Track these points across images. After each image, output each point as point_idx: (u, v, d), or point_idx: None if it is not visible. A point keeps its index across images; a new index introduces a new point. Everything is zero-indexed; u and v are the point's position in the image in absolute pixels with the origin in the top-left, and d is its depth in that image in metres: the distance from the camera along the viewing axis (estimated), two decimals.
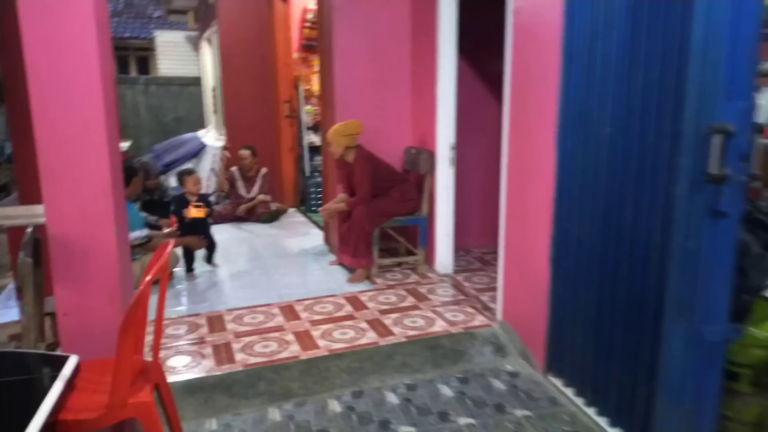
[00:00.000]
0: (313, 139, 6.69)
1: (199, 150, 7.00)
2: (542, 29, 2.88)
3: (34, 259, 2.21)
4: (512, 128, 3.24)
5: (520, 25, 3.09)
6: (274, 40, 6.66)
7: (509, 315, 3.36)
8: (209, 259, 4.59)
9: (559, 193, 2.81)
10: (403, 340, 3.23)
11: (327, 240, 5.17)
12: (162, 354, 3.04)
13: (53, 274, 2.24)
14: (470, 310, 3.70)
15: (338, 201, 4.43)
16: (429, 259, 4.55)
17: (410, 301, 3.85)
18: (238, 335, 3.29)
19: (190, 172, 4.62)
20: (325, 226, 5.14)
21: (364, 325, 3.43)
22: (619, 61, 2.35)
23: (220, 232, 5.67)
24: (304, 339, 3.23)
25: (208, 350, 3.09)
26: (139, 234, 3.87)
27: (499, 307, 3.45)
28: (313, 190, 6.56)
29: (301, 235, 5.60)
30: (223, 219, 6.06)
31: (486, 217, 5.14)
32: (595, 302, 2.59)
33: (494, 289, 3.96)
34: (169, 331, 3.34)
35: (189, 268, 4.42)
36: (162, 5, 12.94)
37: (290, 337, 3.26)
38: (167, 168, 6.89)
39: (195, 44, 11.42)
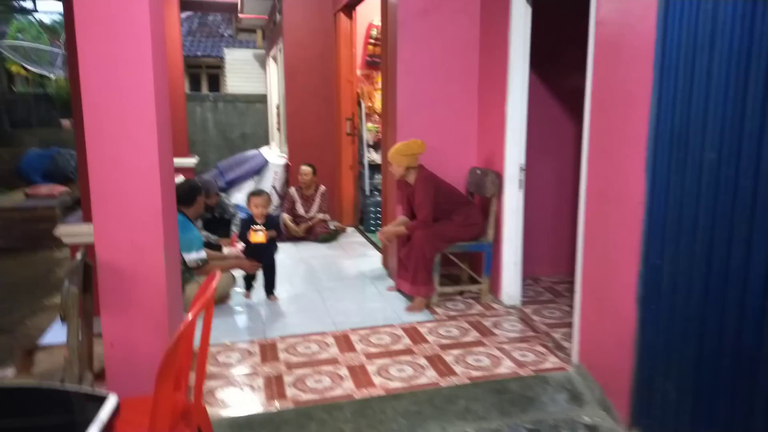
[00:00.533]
0: (374, 157, 6.53)
1: (261, 167, 7.01)
2: (631, 41, 2.56)
3: (84, 284, 2.12)
4: (593, 149, 2.92)
5: (605, 37, 2.78)
6: (337, 56, 6.59)
7: (587, 358, 3.01)
8: (268, 290, 4.23)
9: (650, 225, 2.46)
10: (466, 381, 2.95)
11: (385, 263, 4.96)
12: (212, 384, 2.90)
13: (100, 301, 2.14)
14: (541, 349, 3.36)
15: (398, 224, 4.21)
16: (494, 288, 4.24)
17: (473, 335, 3.56)
18: (291, 366, 3.11)
19: (257, 193, 4.25)
20: (384, 248, 4.94)
21: (423, 361, 3.17)
22: (728, 76, 2.01)
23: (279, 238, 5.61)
24: (359, 375, 3.01)
25: (259, 382, 2.93)
26: (196, 256, 3.79)
27: (574, 348, 3.10)
28: (372, 209, 6.39)
29: (359, 257, 5.42)
30: (281, 238, 5.97)
31: (557, 244, 4.79)
32: (695, 354, 2.23)
33: (568, 325, 3.61)
34: (221, 358, 3.21)
35: (248, 286, 4.31)
36: (232, 24, 13.33)
37: (344, 371, 3.05)
38: (230, 185, 6.94)
39: (262, 62, 11.64)
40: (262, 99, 11.13)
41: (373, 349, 3.33)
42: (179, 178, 6.50)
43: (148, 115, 2.06)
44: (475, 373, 3.03)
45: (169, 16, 7.76)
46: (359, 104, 6.57)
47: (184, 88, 8.15)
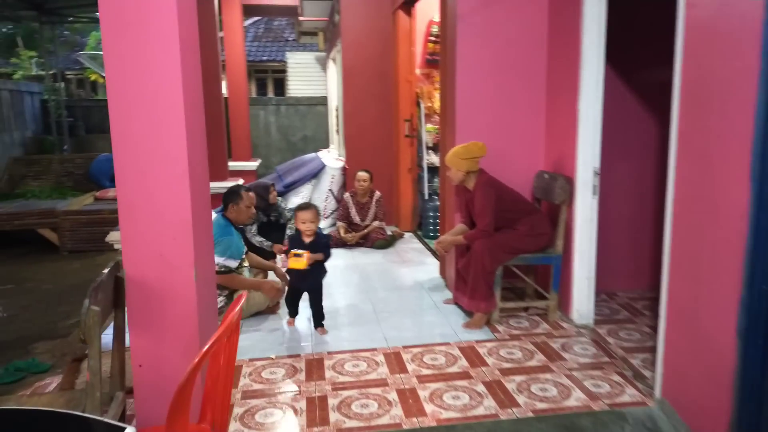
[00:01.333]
0: (433, 159, 6.24)
1: (318, 170, 6.88)
2: (731, 24, 2.16)
3: (117, 299, 1.98)
4: (682, 151, 2.51)
5: (698, 21, 2.37)
6: (396, 55, 6.35)
7: (672, 392, 2.60)
8: (315, 321, 3.64)
9: (756, 244, 2.05)
10: (530, 414, 2.61)
11: (443, 272, 4.66)
12: (253, 402, 2.72)
13: (128, 319, 1.99)
14: (617, 378, 2.96)
15: (456, 232, 3.91)
16: (563, 304, 3.85)
17: (539, 359, 3.20)
18: (336, 387, 2.89)
19: (304, 207, 3.59)
20: (442, 256, 4.63)
21: (481, 387, 2.86)
22: None
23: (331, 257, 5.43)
24: (409, 400, 2.74)
25: (302, 404, 2.72)
26: (222, 261, 3.62)
27: (657, 379, 2.70)
28: (431, 214, 6.09)
29: (416, 265, 5.15)
30: (335, 244, 5.80)
31: (636, 256, 4.33)
32: None
33: (649, 350, 3.19)
34: (265, 374, 3.04)
35: (291, 312, 3.73)
36: (294, 28, 13.42)
37: (393, 395, 2.79)
38: (288, 189, 6.85)
39: (323, 65, 11.61)
40: (324, 102, 11.10)
41: (426, 371, 3.05)
42: (238, 182, 6.50)
43: (178, 122, 1.89)
44: (540, 405, 2.69)
45: (232, 22, 7.83)
46: (418, 105, 6.31)
47: (248, 93, 8.21)
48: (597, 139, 3.59)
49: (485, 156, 3.72)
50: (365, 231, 5.85)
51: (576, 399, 2.75)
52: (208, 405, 1.74)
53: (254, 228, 5.28)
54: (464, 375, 3.00)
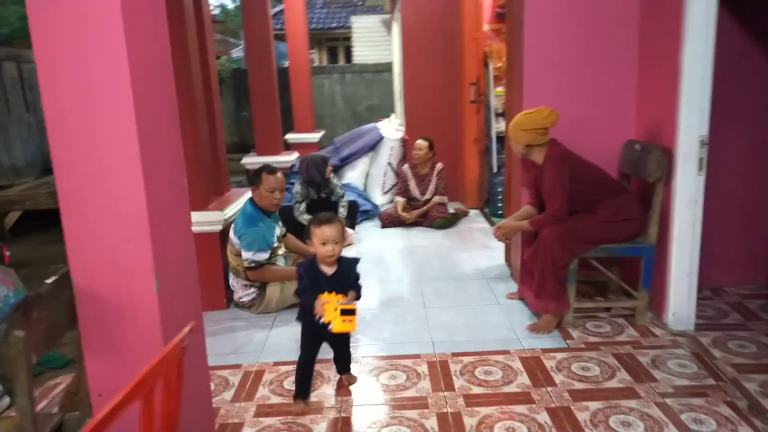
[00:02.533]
0: (503, 127, 5.51)
1: (376, 142, 6.36)
2: None
3: (74, 315, 1.59)
4: None
5: None
6: (461, 10, 5.63)
7: None
8: (341, 368, 2.62)
9: None
10: None
11: (509, 259, 4.04)
12: (264, 423, 2.31)
13: (83, 341, 1.60)
14: (725, 410, 2.28)
15: (520, 216, 3.27)
16: (655, 305, 3.14)
17: (622, 378, 2.56)
18: (365, 407, 2.41)
19: (324, 220, 2.35)
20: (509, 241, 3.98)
21: (544, 417, 2.28)
22: None
23: (383, 238, 4.95)
24: (451, 431, 2.21)
25: (322, 428, 2.27)
26: (250, 256, 3.22)
27: None
28: (500, 189, 5.41)
29: (479, 249, 4.54)
30: (392, 222, 5.30)
31: (750, 244, 3.53)
32: None
33: None
34: (287, 384, 2.61)
35: (302, 392, 2.44)
36: None
37: (432, 422, 2.27)
38: (344, 162, 6.39)
39: (389, 27, 10.96)
40: (390, 68, 10.47)
41: (476, 389, 2.50)
42: (292, 156, 6.11)
43: (122, 88, 1.43)
44: None
45: None
46: (486, 66, 5.57)
47: (309, 63, 7.77)
48: (706, 100, 2.81)
49: (556, 125, 3.03)
50: (424, 208, 5.28)
51: None
52: None
53: (303, 206, 4.89)
54: (524, 397, 2.43)
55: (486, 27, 5.64)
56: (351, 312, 2.23)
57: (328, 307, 2.22)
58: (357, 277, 2.43)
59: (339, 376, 2.63)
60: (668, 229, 2.99)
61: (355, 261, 2.48)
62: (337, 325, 2.20)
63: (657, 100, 3.10)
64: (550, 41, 3.29)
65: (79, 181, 1.48)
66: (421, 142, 5.30)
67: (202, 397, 1.88)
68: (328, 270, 2.38)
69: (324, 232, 2.32)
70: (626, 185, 3.27)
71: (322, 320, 2.23)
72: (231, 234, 3.31)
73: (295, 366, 2.47)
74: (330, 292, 2.28)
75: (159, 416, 1.17)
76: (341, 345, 2.59)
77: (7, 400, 2.57)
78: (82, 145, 1.46)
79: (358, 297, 2.38)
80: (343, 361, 2.62)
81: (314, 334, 2.41)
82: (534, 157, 3.09)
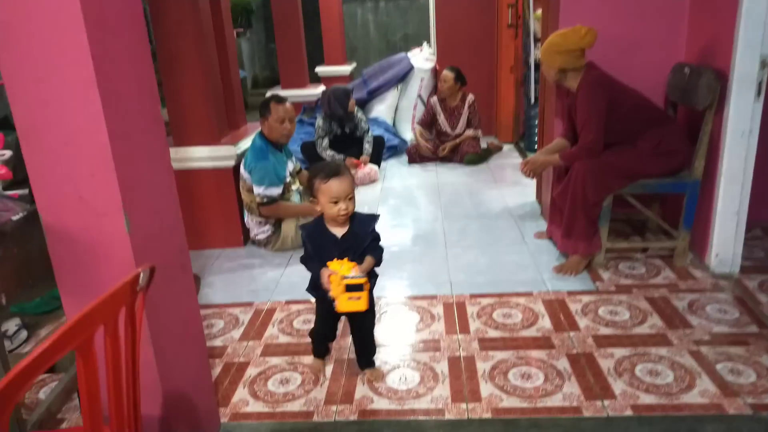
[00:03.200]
0: None
1: (405, 73, 6.02)
2: None
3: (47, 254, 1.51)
4: None
5: None
6: None
7: None
8: (362, 362, 2.15)
9: None
10: (628, 413, 1.86)
11: (539, 196, 3.80)
12: (270, 363, 2.25)
13: (58, 281, 1.52)
14: None
15: (551, 149, 3.00)
16: (698, 245, 2.88)
17: (653, 323, 2.36)
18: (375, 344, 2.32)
19: (331, 171, 1.91)
20: (539, 177, 3.72)
21: (564, 363, 2.13)
22: None
23: (409, 175, 4.76)
24: (462, 376, 2.10)
25: (329, 370, 2.19)
26: (262, 191, 3.08)
27: None
28: (537, 122, 5.07)
29: (510, 186, 4.30)
30: (420, 158, 5.07)
31: None
32: None
33: None
34: (297, 323, 2.54)
35: (319, 351, 2.21)
36: None
37: (443, 365, 2.16)
38: (372, 95, 6.11)
39: None
40: None
41: (492, 332, 2.37)
42: (319, 89, 5.88)
43: (70, 8, 1.25)
44: (645, 399, 1.92)
45: None
46: None
47: None
48: None
49: (593, 47, 2.70)
50: (456, 141, 5.01)
51: (702, 393, 1.93)
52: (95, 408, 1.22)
53: (325, 141, 4.73)
54: (544, 342, 2.28)
55: None
56: (358, 287, 1.79)
57: (335, 279, 1.80)
58: (376, 237, 1.96)
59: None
60: (716, 163, 2.68)
61: (372, 218, 1.99)
62: (341, 303, 1.81)
63: (712, 15, 2.71)
64: None
65: (33, 110, 1.34)
66: (447, 73, 4.96)
67: (194, 343, 1.81)
68: (338, 231, 1.93)
69: (332, 188, 1.86)
70: (672, 114, 2.94)
71: (330, 295, 1.84)
72: (242, 169, 3.19)
73: (311, 324, 2.24)
74: (341, 258, 1.86)
75: (110, 368, 1.07)
76: (361, 330, 2.11)
77: (24, 333, 2.60)
78: (32, 70, 1.31)
79: (377, 263, 1.95)
80: (364, 350, 2.13)
81: (328, 311, 1.98)
82: (568, 83, 2.78)
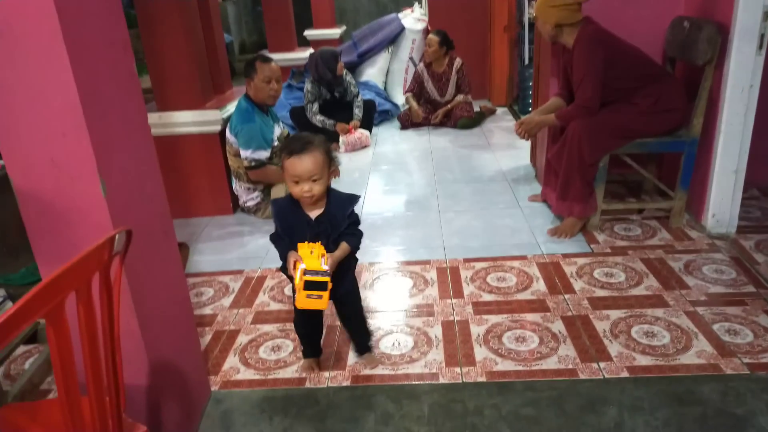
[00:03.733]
0: None
1: (396, 35, 5.85)
2: None
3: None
4: None
5: None
6: None
7: None
8: (359, 347, 2.02)
9: None
10: (624, 374, 1.84)
11: (533, 159, 3.73)
12: (261, 331, 2.21)
13: (32, 245, 1.45)
14: (766, 320, 2.05)
15: (546, 109, 2.92)
16: (694, 205, 2.83)
17: (649, 284, 2.33)
18: (367, 312, 2.28)
19: (295, 147, 1.66)
20: (533, 139, 3.64)
21: (558, 326, 2.10)
22: None
23: (401, 140, 4.66)
24: (456, 340, 2.07)
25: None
26: (250, 154, 2.99)
27: None
28: (531, 84, 4.96)
29: (503, 149, 4.22)
30: (412, 123, 4.97)
31: None
32: None
33: None
34: (289, 290, 2.48)
35: (309, 352, 2.00)
36: None
37: (437, 330, 2.13)
38: (362, 58, 5.95)
39: None
40: None
41: (487, 296, 2.33)
42: (307, 53, 5.71)
43: None
44: (641, 360, 1.89)
45: None
46: None
47: None
48: None
49: (591, 0, 2.60)
50: (448, 107, 4.90)
51: (698, 353, 1.91)
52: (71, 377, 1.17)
53: (315, 106, 4.60)
54: (539, 305, 2.24)
55: None
56: (320, 286, 1.59)
57: (299, 270, 1.60)
58: (354, 221, 1.76)
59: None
60: (715, 120, 2.61)
61: (351, 199, 1.77)
62: (300, 299, 1.61)
63: None
64: None
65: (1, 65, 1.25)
66: (432, 37, 4.78)
67: (180, 311, 1.76)
68: (313, 211, 1.72)
69: (294, 167, 1.63)
70: (670, 70, 2.86)
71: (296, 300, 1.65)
72: (228, 133, 3.09)
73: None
74: (313, 241, 1.67)
75: (85, 336, 1.01)
76: (348, 318, 1.97)
77: (9, 305, 2.54)
78: None
79: (353, 250, 1.76)
80: (359, 338, 2.00)
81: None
82: (564, 39, 2.68)
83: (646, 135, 2.66)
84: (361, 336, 2.00)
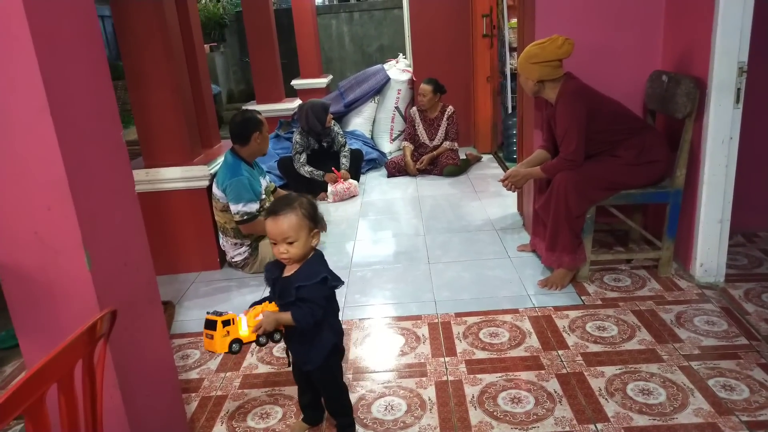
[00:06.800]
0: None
1: (382, 85, 5.97)
2: None
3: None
4: None
5: None
6: None
7: None
8: (329, 409, 1.92)
9: None
10: None
11: (521, 208, 3.75)
12: (250, 396, 2.14)
13: (13, 321, 1.40)
14: (760, 374, 2.03)
15: (532, 162, 2.95)
16: (682, 255, 2.85)
17: (642, 338, 2.31)
18: (359, 374, 2.23)
19: (270, 209, 1.70)
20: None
21: (554, 385, 2.07)
22: None
23: (389, 188, 4.69)
24: (449, 404, 2.02)
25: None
26: (241, 208, 2.98)
27: None
28: (514, 132, 5.05)
29: (490, 197, 4.25)
30: (399, 171, 5.01)
31: None
32: None
33: None
34: (277, 350, 2.44)
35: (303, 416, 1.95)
36: None
37: (430, 392, 2.08)
38: (349, 108, 6.04)
39: None
40: (400, 4, 9.87)
41: (480, 353, 2.29)
42: (294, 104, 5.79)
43: (18, 29, 1.15)
44: (638, 420, 1.85)
45: None
46: None
47: (313, 2, 7.29)
48: (747, 20, 2.43)
49: (573, 56, 2.67)
50: (433, 153, 4.96)
51: (695, 411, 1.87)
52: None
53: (303, 157, 4.63)
54: (532, 362, 2.21)
55: None
56: (210, 325, 1.61)
57: (248, 318, 1.65)
58: (304, 297, 1.64)
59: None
60: (698, 171, 2.66)
61: (318, 273, 1.66)
62: (205, 340, 1.65)
63: (689, 22, 2.70)
64: None
65: None
66: (424, 86, 4.90)
67: (165, 383, 1.70)
68: (289, 269, 1.71)
69: (270, 228, 1.65)
70: (651, 123, 2.93)
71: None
72: (215, 188, 3.07)
73: None
74: (272, 301, 1.70)
75: (66, 428, 0.97)
76: (325, 399, 1.88)
77: None
78: None
79: (298, 324, 1.63)
80: (334, 416, 1.89)
81: (291, 363, 1.83)
82: (547, 94, 2.75)
83: (631, 186, 2.70)
84: (338, 422, 1.87)
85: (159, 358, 1.68)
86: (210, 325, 1.62)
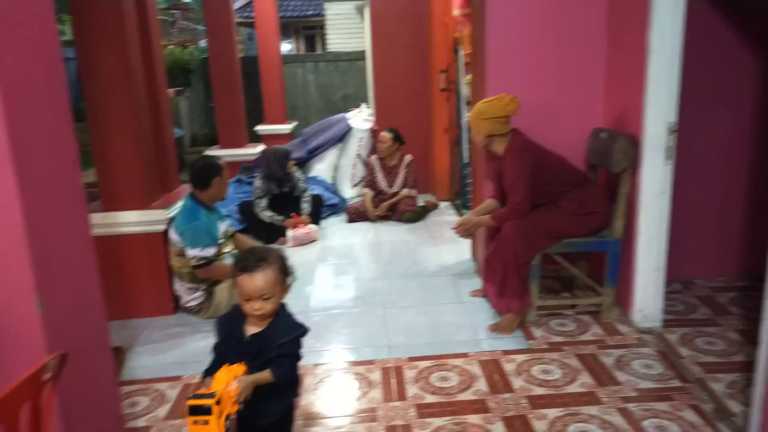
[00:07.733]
0: None
1: (344, 133, 6.15)
2: None
3: None
4: None
5: None
6: None
7: None
8: None
9: None
10: None
11: (474, 254, 3.88)
12: None
13: None
14: (690, 415, 2.15)
15: (482, 210, 3.10)
16: (622, 300, 3.00)
17: (584, 381, 2.41)
18: (309, 420, 2.24)
19: (244, 265, 1.62)
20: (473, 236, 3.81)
21: (499, 428, 2.13)
22: None
23: (349, 234, 4.77)
24: None
25: None
26: (197, 253, 3.01)
27: (754, 420, 1.88)
28: (471, 180, 5.25)
29: (446, 243, 4.38)
30: (359, 217, 5.11)
31: (721, 234, 3.39)
32: None
33: (740, 368, 2.35)
34: None
35: None
36: None
37: None
38: (312, 154, 6.17)
39: (362, 14, 10.69)
40: (364, 56, 10.24)
41: (430, 398, 2.35)
42: (257, 149, 5.88)
43: None
44: None
45: None
46: (456, 52, 5.38)
47: (279, 51, 7.50)
48: (674, 84, 2.67)
49: (516, 114, 2.86)
50: (393, 200, 5.09)
51: None
52: None
53: (264, 202, 4.68)
54: (480, 406, 2.27)
55: (456, 12, 5.45)
56: (203, 410, 1.40)
57: (214, 386, 1.48)
58: (287, 353, 1.62)
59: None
60: (634, 222, 2.85)
61: (297, 328, 1.67)
62: (189, 427, 1.43)
63: (624, 86, 2.95)
64: (514, 23, 3.11)
65: None
66: (384, 134, 5.10)
67: (112, 430, 1.69)
68: (252, 328, 1.64)
69: (245, 284, 1.58)
70: (593, 176, 3.13)
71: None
72: (171, 232, 3.09)
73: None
74: (240, 359, 1.57)
75: None
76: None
77: None
78: None
79: (278, 379, 1.60)
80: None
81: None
82: (495, 148, 2.92)
83: (573, 235, 2.86)
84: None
85: (107, 404, 1.68)
86: (197, 410, 1.41)
